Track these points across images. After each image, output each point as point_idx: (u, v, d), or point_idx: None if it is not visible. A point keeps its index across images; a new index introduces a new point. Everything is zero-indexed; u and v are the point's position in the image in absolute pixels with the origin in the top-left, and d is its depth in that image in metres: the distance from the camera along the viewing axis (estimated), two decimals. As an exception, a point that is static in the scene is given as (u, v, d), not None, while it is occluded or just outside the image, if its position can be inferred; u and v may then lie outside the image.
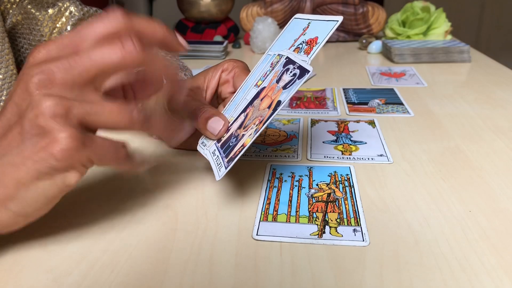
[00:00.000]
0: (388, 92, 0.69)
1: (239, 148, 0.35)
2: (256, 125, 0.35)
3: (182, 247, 0.32)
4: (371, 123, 0.55)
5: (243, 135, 0.36)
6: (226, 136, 0.38)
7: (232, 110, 0.40)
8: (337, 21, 0.35)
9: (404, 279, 0.29)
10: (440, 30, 0.97)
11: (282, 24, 1.06)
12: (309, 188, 0.40)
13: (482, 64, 0.85)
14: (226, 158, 0.35)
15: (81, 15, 0.65)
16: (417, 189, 0.39)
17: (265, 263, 0.30)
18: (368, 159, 0.46)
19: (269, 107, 0.35)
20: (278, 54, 0.40)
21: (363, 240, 0.32)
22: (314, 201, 0.38)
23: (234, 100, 0.41)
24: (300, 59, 0.36)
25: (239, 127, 0.37)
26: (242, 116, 0.38)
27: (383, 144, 0.49)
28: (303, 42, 0.37)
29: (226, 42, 0.99)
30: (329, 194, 0.39)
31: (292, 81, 0.35)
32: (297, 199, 0.38)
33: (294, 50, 0.38)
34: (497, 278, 0.28)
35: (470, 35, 2.58)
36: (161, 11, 2.52)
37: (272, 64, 0.39)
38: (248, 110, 0.38)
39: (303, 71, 0.35)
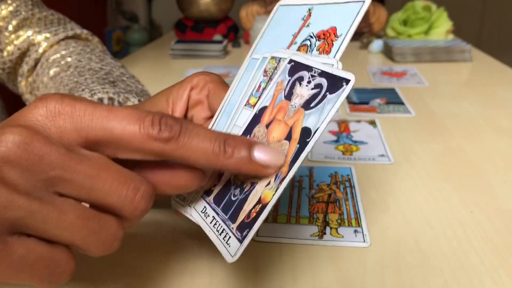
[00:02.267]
0: (389, 91, 0.68)
1: (254, 207, 0.23)
2: None
3: (182, 247, 0.32)
4: (372, 123, 0.55)
5: (251, 183, 0.24)
6: (218, 184, 0.26)
7: None
8: (363, 2, 0.24)
9: (405, 280, 0.28)
10: (442, 29, 0.97)
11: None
12: (310, 188, 0.40)
13: (484, 64, 0.85)
14: (233, 222, 0.24)
15: (29, 15, 0.55)
16: (418, 189, 0.39)
17: (265, 264, 0.30)
18: (369, 159, 0.45)
19: (288, 138, 0.24)
20: (272, 57, 0.28)
21: (364, 241, 0.32)
22: (314, 201, 0.37)
23: (216, 128, 0.29)
24: (319, 61, 0.25)
25: None
26: None
27: (384, 144, 0.49)
28: (311, 36, 0.27)
29: (225, 41, 0.99)
30: (329, 195, 0.38)
31: (319, 97, 0.23)
32: (298, 200, 0.38)
33: (298, 49, 0.27)
34: (498, 279, 0.28)
35: (471, 35, 2.58)
36: (160, 10, 2.52)
37: (266, 71, 0.28)
38: None
39: (335, 80, 0.23)
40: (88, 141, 0.21)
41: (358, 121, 0.56)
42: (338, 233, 0.33)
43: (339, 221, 0.35)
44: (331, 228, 0.34)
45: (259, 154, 0.23)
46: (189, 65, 0.89)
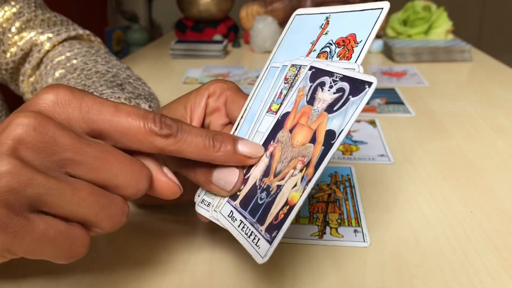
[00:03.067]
0: (389, 91, 0.69)
1: (282, 209, 0.24)
2: (302, 171, 0.24)
3: (182, 247, 0.32)
4: (372, 123, 0.55)
5: (278, 186, 0.25)
6: (244, 188, 0.27)
7: None
8: (381, 8, 0.25)
9: (405, 280, 0.28)
10: (441, 29, 0.97)
11: (282, 23, 1.05)
12: (310, 188, 0.40)
13: (484, 64, 0.85)
14: (261, 224, 0.25)
15: (32, 17, 0.56)
16: (418, 189, 0.39)
17: (265, 264, 0.30)
18: (369, 159, 0.45)
19: (312, 141, 0.25)
20: (292, 65, 0.29)
21: (364, 241, 0.32)
22: (314, 201, 0.37)
23: (238, 135, 0.30)
24: (340, 66, 0.25)
25: (265, 175, 0.26)
26: (265, 158, 0.27)
27: (384, 144, 0.49)
28: (330, 43, 0.27)
29: (225, 41, 0.99)
30: (329, 195, 0.38)
31: (342, 100, 0.24)
32: (298, 200, 0.38)
33: (317, 56, 0.28)
34: (498, 278, 0.28)
35: (471, 35, 2.58)
36: (160, 10, 2.52)
37: (286, 79, 0.29)
38: (271, 148, 0.27)
39: (358, 84, 0.24)
40: (93, 131, 0.23)
41: (358, 121, 0.56)
42: (338, 233, 0.33)
43: (339, 221, 0.35)
44: (331, 228, 0.34)
45: (243, 147, 0.26)
46: (189, 65, 0.89)
